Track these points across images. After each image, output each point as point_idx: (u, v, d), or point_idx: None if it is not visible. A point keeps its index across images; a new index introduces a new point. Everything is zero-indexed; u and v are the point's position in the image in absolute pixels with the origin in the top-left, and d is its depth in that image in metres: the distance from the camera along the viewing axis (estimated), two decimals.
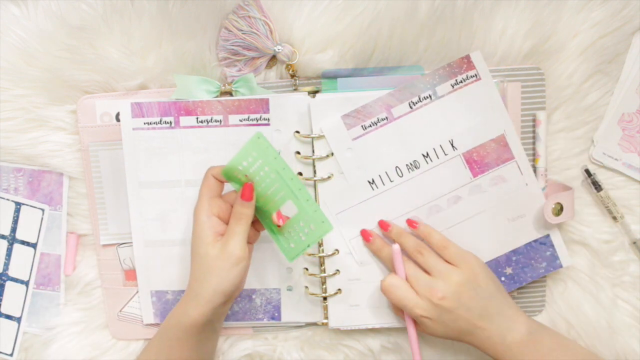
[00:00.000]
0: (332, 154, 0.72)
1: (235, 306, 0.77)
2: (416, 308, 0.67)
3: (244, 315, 0.77)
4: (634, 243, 0.76)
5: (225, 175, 0.67)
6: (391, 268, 0.72)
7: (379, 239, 0.73)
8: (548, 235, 0.74)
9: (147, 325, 0.78)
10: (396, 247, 0.70)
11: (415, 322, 0.70)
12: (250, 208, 0.65)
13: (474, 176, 0.73)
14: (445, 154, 0.72)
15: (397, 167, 0.73)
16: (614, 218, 0.76)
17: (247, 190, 0.65)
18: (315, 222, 0.67)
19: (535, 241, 0.74)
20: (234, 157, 0.65)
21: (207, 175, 0.67)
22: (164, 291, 0.77)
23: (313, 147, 0.73)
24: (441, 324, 0.67)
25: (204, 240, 0.65)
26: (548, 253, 0.74)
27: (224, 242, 0.64)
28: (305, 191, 0.66)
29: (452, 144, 0.72)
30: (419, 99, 0.71)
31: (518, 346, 0.66)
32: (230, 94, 0.74)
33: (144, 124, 0.73)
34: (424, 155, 0.72)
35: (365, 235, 0.74)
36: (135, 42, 0.72)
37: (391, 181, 0.73)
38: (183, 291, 0.76)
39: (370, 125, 0.72)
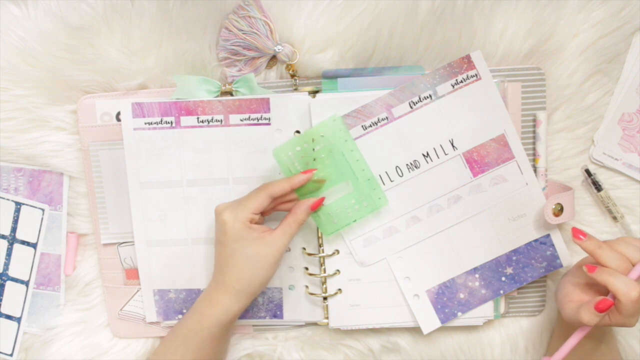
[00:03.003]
0: None
1: None
2: None
3: (247, 313, 0.77)
4: None
5: (276, 155, 0.69)
6: (622, 269, 0.62)
7: (593, 237, 0.65)
8: (548, 235, 0.74)
9: (149, 323, 0.78)
10: None
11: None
12: (309, 215, 0.69)
13: (474, 176, 0.73)
14: (446, 154, 0.72)
15: (397, 166, 0.73)
16: (614, 218, 0.76)
17: (319, 202, 0.69)
18: (370, 199, 0.72)
19: (535, 241, 0.74)
20: (296, 137, 0.70)
21: (263, 194, 0.67)
22: (167, 290, 0.77)
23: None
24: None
25: (251, 242, 0.66)
26: (548, 253, 0.74)
27: (274, 238, 0.67)
28: (368, 171, 0.71)
29: (452, 144, 0.72)
30: (419, 98, 0.71)
31: None
32: (230, 94, 0.74)
33: (145, 124, 0.73)
34: (424, 155, 0.72)
35: (576, 233, 0.64)
36: (135, 42, 0.72)
37: (391, 181, 0.73)
38: (185, 290, 0.76)
39: (371, 125, 0.72)
